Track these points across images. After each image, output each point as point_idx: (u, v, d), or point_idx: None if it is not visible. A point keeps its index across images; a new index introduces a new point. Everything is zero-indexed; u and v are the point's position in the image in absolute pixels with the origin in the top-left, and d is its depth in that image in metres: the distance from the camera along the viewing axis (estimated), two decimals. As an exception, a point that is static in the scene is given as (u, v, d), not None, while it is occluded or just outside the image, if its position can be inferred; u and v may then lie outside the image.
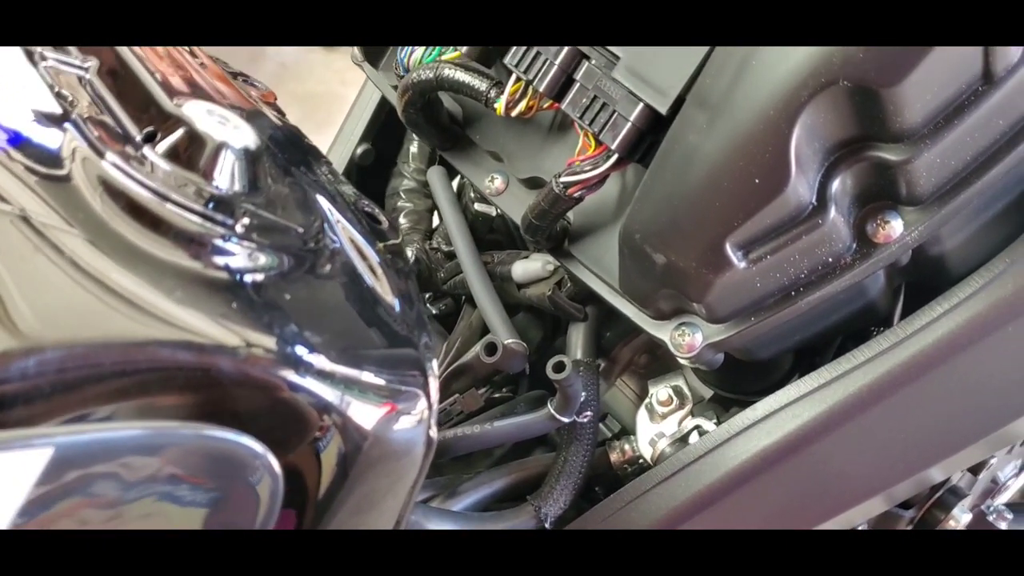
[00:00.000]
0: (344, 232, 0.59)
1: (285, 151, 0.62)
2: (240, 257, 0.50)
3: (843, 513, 0.85)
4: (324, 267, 0.55)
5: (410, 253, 1.08)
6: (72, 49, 0.56)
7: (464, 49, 0.79)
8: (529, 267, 0.95)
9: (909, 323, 0.77)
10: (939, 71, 0.61)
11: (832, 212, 0.66)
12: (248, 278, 0.50)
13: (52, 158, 0.49)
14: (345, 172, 1.13)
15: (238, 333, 0.48)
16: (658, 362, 1.02)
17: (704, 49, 0.66)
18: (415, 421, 0.57)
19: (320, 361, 0.52)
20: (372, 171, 1.16)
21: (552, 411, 0.85)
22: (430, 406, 0.58)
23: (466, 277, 0.97)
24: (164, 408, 0.47)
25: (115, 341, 0.46)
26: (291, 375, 0.50)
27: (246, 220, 0.51)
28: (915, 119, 0.63)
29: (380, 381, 0.55)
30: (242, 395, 0.49)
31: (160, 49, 0.65)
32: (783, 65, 0.60)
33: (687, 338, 0.75)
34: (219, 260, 0.50)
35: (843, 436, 0.79)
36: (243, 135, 0.53)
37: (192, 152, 0.52)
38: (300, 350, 0.51)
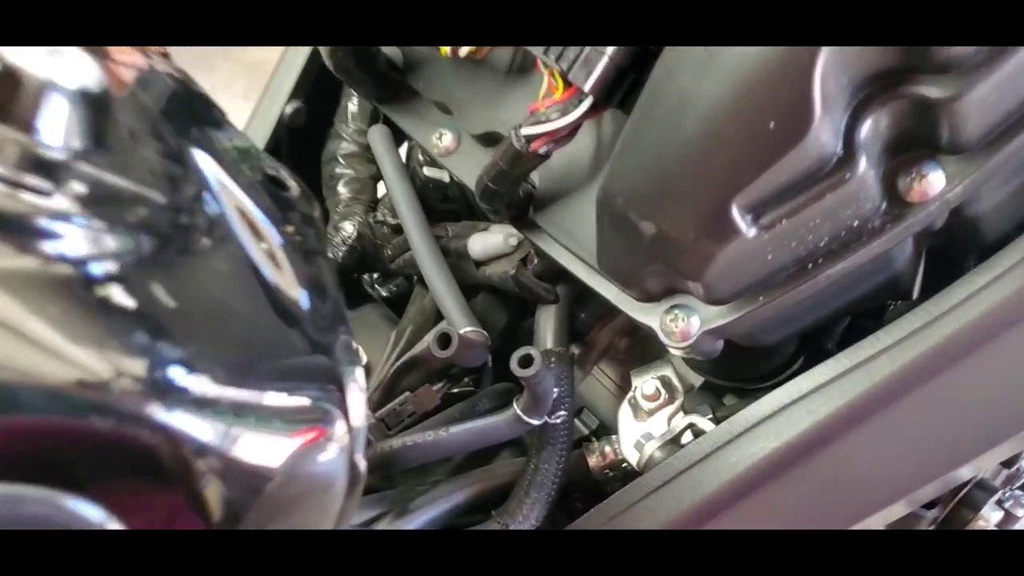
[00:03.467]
0: (231, 201, 0.44)
1: (156, 98, 0.47)
2: (74, 241, 0.36)
3: (860, 523, 0.73)
4: (201, 251, 0.40)
5: (351, 228, 0.95)
6: None
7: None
8: (489, 241, 0.83)
9: (944, 298, 0.64)
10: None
11: (862, 164, 0.54)
12: (88, 270, 0.36)
13: None
14: (273, 135, 0.99)
15: (73, 355, 0.34)
16: (641, 345, 0.90)
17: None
18: (334, 451, 0.43)
19: (199, 384, 0.38)
20: (305, 133, 1.02)
21: (519, 412, 0.72)
22: (351, 429, 0.44)
23: (415, 256, 0.85)
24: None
25: None
26: (156, 409, 0.36)
27: (80, 188, 0.37)
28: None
29: (283, 403, 0.42)
30: (85, 447, 0.35)
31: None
32: (806, -26, 0.46)
33: (680, 324, 0.62)
34: (43, 247, 0.35)
35: (866, 434, 0.67)
36: (79, 71, 0.38)
37: (9, 95, 0.37)
38: (171, 372, 0.37)
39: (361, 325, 0.96)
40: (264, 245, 0.46)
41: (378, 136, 0.92)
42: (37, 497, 0.33)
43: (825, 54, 0.48)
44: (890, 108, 0.53)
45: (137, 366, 0.36)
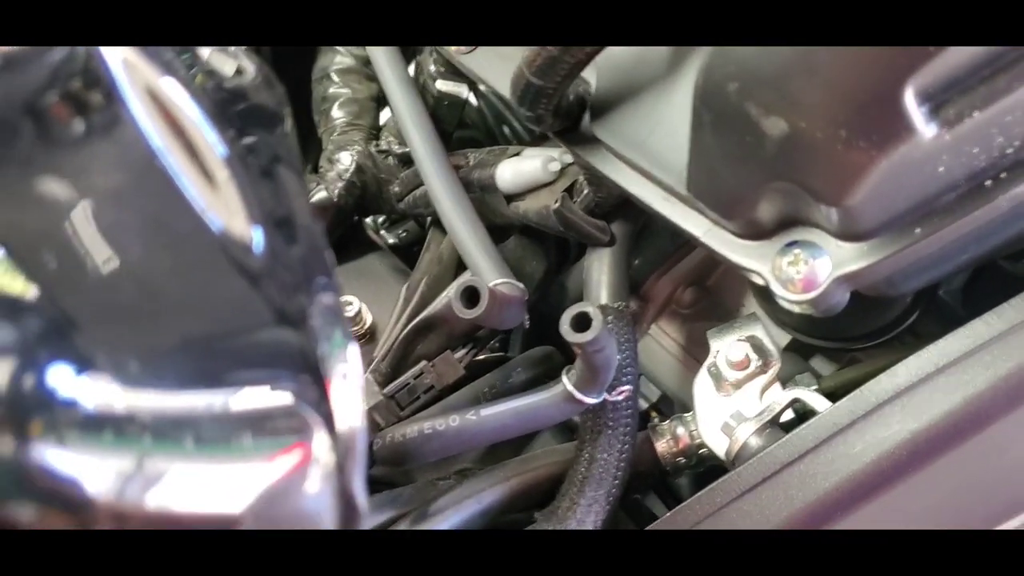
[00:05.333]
0: (138, 79, 0.27)
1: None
2: None
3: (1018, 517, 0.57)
4: (70, 141, 0.24)
5: (349, 159, 0.82)
6: None
7: None
8: (523, 169, 0.67)
9: None
10: None
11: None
12: None
13: None
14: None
15: None
16: (710, 299, 0.74)
17: None
18: (310, 481, 0.27)
19: (93, 392, 0.24)
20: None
21: (571, 389, 0.55)
22: (338, 441, 0.27)
23: (429, 191, 0.71)
24: None
25: None
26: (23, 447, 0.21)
27: None
28: None
29: (228, 410, 0.26)
30: None
31: None
32: None
33: (803, 268, 0.46)
34: None
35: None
36: None
37: None
38: (48, 377, 0.22)
39: (364, 278, 0.82)
40: (193, 156, 0.28)
41: (381, 48, 0.77)
42: None
43: None
44: None
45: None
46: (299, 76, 0.87)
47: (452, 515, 0.60)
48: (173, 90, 0.29)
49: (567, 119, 0.53)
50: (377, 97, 0.85)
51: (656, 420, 0.67)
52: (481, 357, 0.73)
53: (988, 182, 0.44)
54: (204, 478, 0.26)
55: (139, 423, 0.25)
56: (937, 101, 0.38)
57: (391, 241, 0.94)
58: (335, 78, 0.84)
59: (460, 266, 0.73)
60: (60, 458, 0.24)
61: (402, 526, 0.60)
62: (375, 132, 0.84)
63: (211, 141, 0.30)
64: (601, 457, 0.59)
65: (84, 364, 0.24)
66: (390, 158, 0.80)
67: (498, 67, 0.57)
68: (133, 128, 0.26)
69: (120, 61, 0.26)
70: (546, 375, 0.69)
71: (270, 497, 0.27)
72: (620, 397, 0.59)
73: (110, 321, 0.26)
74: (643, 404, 0.74)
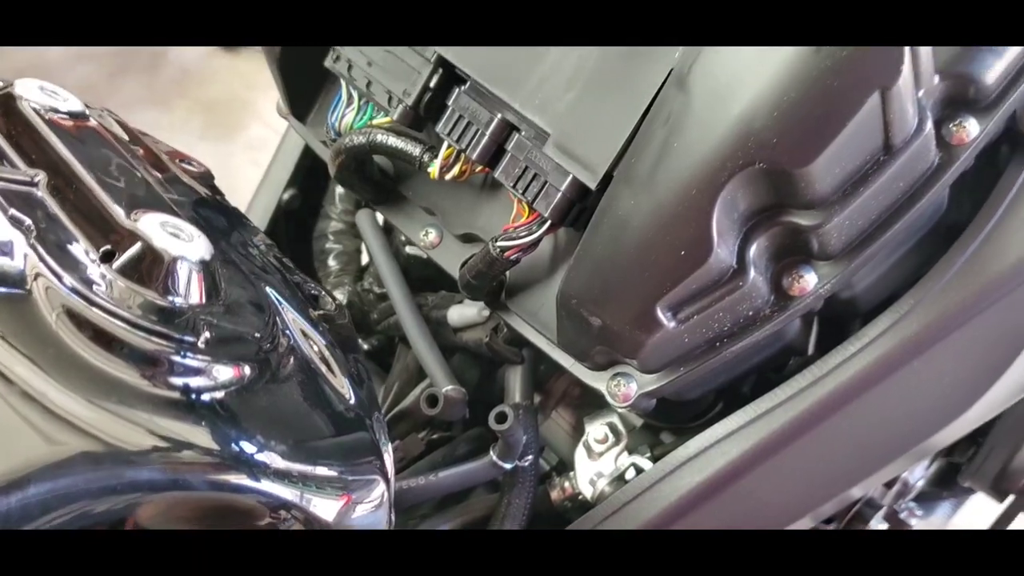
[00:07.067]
0: (295, 324, 0.61)
1: (229, 240, 0.64)
2: (201, 375, 0.52)
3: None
4: (282, 370, 0.57)
5: (341, 296, 1.09)
6: (18, 161, 0.57)
7: (396, 115, 0.81)
8: (465, 313, 0.97)
9: (824, 362, 0.83)
10: (846, 148, 0.65)
11: (752, 273, 0.71)
12: (207, 396, 0.52)
13: (12, 286, 0.51)
14: (272, 218, 1.14)
15: (197, 449, 0.50)
16: (591, 393, 1.06)
17: (628, 129, 0.69)
18: (374, 506, 0.60)
19: (275, 461, 0.54)
20: (298, 213, 1.18)
21: (495, 459, 0.88)
22: (388, 486, 0.60)
23: (402, 324, 0.98)
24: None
25: (72, 470, 0.47)
26: (245, 480, 0.52)
27: (207, 335, 0.53)
28: (825, 190, 0.67)
29: (335, 473, 0.58)
30: (202, 509, 0.51)
31: (93, 134, 0.66)
32: (702, 148, 0.64)
33: (622, 388, 0.79)
34: (179, 381, 0.51)
35: (768, 468, 0.84)
36: (197, 247, 0.54)
37: (150, 268, 0.53)
38: (259, 456, 0.53)
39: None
40: (317, 350, 0.62)
41: (365, 220, 1.07)
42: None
43: (719, 203, 0.66)
44: (771, 233, 0.71)
45: (227, 453, 0.52)
46: (306, 236, 1.19)
47: (419, 540, 0.93)
48: (308, 328, 0.62)
49: (492, 296, 0.84)
50: (359, 249, 1.14)
51: (554, 477, 1.01)
52: (435, 436, 1.00)
53: (718, 343, 0.78)
54: (323, 503, 0.59)
55: (295, 476, 0.57)
56: (675, 311, 0.71)
57: (365, 348, 1.19)
58: (331, 237, 1.13)
59: (420, 374, 1.01)
60: (264, 486, 0.55)
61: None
62: (359, 274, 1.14)
63: (321, 342, 0.64)
64: (515, 502, 0.90)
65: (270, 451, 0.57)
66: (371, 295, 1.09)
67: (451, 260, 0.85)
68: (304, 354, 0.59)
69: (297, 329, 0.60)
70: (479, 448, 0.96)
71: (351, 512, 0.60)
72: (526, 463, 0.91)
73: (286, 436, 0.58)
74: (546, 466, 1.04)
